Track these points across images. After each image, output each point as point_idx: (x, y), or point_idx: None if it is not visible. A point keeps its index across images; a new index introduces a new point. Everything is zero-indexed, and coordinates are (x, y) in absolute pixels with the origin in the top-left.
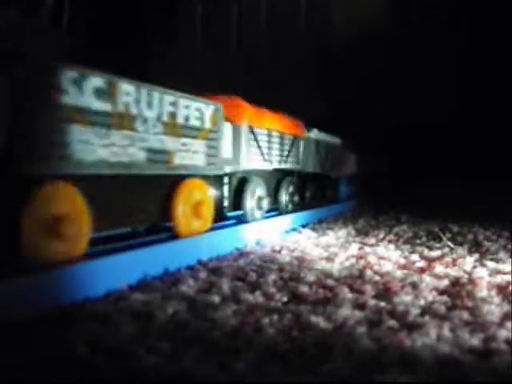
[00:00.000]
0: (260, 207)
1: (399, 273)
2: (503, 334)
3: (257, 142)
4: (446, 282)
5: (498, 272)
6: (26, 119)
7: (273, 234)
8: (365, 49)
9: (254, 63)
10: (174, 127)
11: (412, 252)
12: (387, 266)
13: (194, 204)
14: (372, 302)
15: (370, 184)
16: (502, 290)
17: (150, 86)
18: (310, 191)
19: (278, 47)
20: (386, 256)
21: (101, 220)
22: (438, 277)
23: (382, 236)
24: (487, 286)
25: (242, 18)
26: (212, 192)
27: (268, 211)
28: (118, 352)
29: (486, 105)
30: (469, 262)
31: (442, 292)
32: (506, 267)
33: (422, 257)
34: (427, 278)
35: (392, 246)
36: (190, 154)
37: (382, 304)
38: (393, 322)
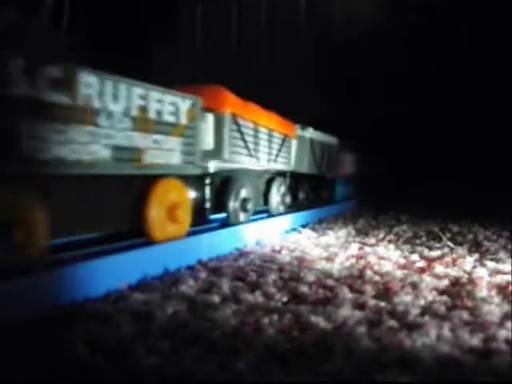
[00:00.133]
0: (245, 209)
1: (399, 273)
2: (503, 334)
3: (241, 134)
4: (445, 282)
5: (498, 272)
6: None
7: (273, 234)
8: (365, 48)
9: (254, 63)
10: (144, 122)
11: (412, 252)
12: (387, 266)
13: (168, 207)
14: (372, 302)
15: (370, 184)
16: (501, 289)
17: (115, 77)
18: (303, 192)
19: (277, 47)
20: (386, 256)
21: (58, 226)
22: (438, 277)
23: (381, 236)
24: (487, 285)
25: (241, 17)
26: (191, 193)
27: (259, 213)
28: (118, 352)
29: (486, 105)
30: (469, 261)
31: (441, 292)
32: (505, 267)
33: (422, 257)
34: (427, 278)
35: (392, 246)
36: (163, 152)
37: (382, 304)
38: (393, 322)
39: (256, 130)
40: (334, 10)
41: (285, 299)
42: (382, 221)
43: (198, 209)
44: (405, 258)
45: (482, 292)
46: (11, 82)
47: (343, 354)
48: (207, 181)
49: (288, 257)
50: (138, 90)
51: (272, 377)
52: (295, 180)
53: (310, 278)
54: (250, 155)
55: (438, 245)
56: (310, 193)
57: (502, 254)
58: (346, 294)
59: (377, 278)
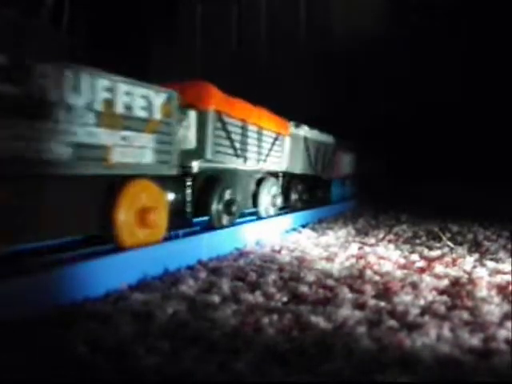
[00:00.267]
0: (229, 212)
1: (399, 273)
2: (503, 333)
3: (227, 132)
4: (445, 282)
5: (498, 272)
6: None
7: (273, 233)
8: (364, 48)
9: (254, 63)
10: (110, 118)
11: (412, 252)
12: (387, 266)
13: (139, 210)
14: (372, 302)
15: (369, 184)
16: (501, 289)
17: (75, 66)
18: (297, 193)
19: (277, 47)
20: (386, 256)
21: (4, 233)
22: (438, 277)
23: (381, 236)
24: (487, 285)
25: (241, 18)
26: (168, 195)
27: (250, 214)
28: (118, 352)
29: (486, 104)
30: (469, 261)
31: (441, 292)
32: (505, 267)
33: (422, 257)
34: (427, 278)
35: (392, 246)
36: (133, 150)
37: (382, 304)
38: (393, 322)
39: (244, 128)
40: (334, 10)
41: (285, 299)
42: (381, 220)
43: (178, 212)
44: (405, 257)
45: (482, 292)
46: None
47: (343, 354)
48: (188, 182)
49: (288, 257)
50: (102, 82)
51: (272, 377)
52: (288, 180)
53: (310, 277)
54: (237, 155)
55: (437, 245)
56: (304, 194)
57: (501, 254)
58: (346, 293)
59: (377, 277)
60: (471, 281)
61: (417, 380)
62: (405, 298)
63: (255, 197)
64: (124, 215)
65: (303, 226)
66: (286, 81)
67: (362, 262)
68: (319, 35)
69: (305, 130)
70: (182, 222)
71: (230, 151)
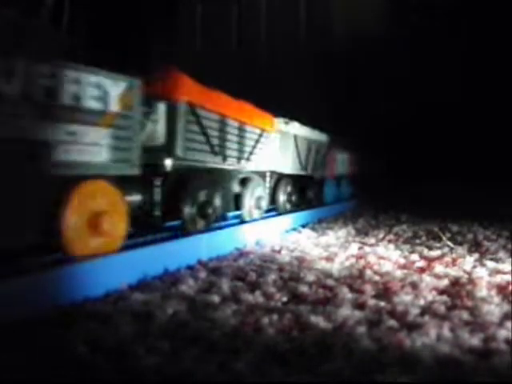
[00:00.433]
0: (204, 215)
1: (399, 273)
2: (503, 333)
3: (202, 127)
4: (445, 282)
5: (498, 272)
6: None
7: (272, 233)
8: (364, 48)
9: (254, 63)
10: (54, 109)
11: (412, 252)
12: (387, 266)
13: (92, 215)
14: (372, 302)
15: (368, 184)
16: (501, 289)
17: (6, 50)
18: (285, 194)
19: (277, 47)
20: (386, 256)
21: None
22: (438, 276)
23: (381, 236)
24: (487, 285)
25: (241, 17)
26: (132, 197)
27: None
28: (118, 352)
29: (486, 104)
30: (468, 261)
31: (441, 292)
32: (505, 267)
33: (422, 256)
34: (427, 278)
35: (392, 246)
36: (83, 147)
37: (382, 304)
38: (392, 322)
39: (223, 123)
40: (334, 10)
41: (285, 299)
42: (381, 220)
43: (145, 216)
44: (405, 257)
45: (482, 292)
46: None
47: (343, 354)
48: (157, 182)
49: (288, 257)
50: (43, 68)
51: (272, 377)
52: (276, 181)
53: (310, 277)
54: (214, 152)
55: (437, 244)
56: (293, 195)
57: (501, 254)
58: (346, 293)
59: (376, 277)
60: (471, 281)
61: (417, 380)
62: (405, 297)
63: (238, 199)
64: (73, 221)
65: (303, 226)
66: (286, 81)
67: (361, 262)
68: (319, 35)
69: (294, 127)
70: (150, 227)
71: (206, 148)
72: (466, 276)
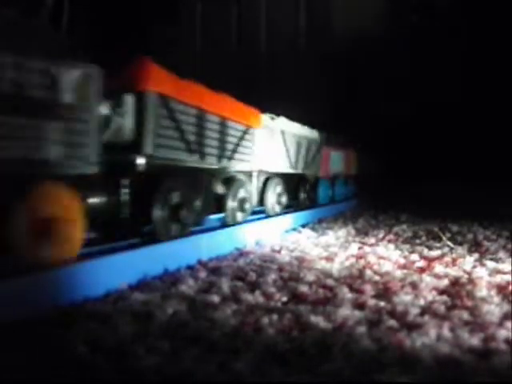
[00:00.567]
0: (178, 219)
1: (399, 272)
2: (503, 333)
3: (176, 121)
4: (445, 282)
5: (498, 272)
6: None
7: (272, 233)
8: (364, 48)
9: (254, 63)
10: None
11: (412, 252)
12: (387, 266)
13: (40, 221)
14: (372, 302)
15: (366, 184)
16: (501, 289)
17: None
18: (274, 195)
19: (277, 47)
20: (386, 256)
21: None
22: (438, 276)
23: (381, 236)
24: (487, 285)
25: (241, 17)
26: (92, 200)
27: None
28: (118, 352)
29: (486, 104)
30: (468, 261)
31: (441, 292)
32: (505, 267)
33: (422, 256)
34: (427, 278)
35: (392, 246)
36: (26, 143)
37: (382, 304)
38: (392, 322)
39: (200, 118)
40: (334, 10)
41: (284, 299)
42: (381, 220)
43: (109, 221)
44: (404, 257)
45: (482, 292)
46: None
47: (343, 354)
48: (124, 182)
49: (288, 257)
50: None
51: (272, 377)
52: (264, 181)
53: (310, 277)
54: (190, 150)
55: (437, 244)
56: (282, 196)
57: (501, 254)
58: (346, 293)
59: (376, 277)
60: (471, 281)
61: (417, 380)
62: (405, 297)
63: (221, 201)
64: (18, 228)
65: (303, 226)
66: (286, 81)
67: (361, 262)
68: (319, 35)
69: (282, 123)
70: (115, 232)
71: (181, 145)
72: (466, 276)
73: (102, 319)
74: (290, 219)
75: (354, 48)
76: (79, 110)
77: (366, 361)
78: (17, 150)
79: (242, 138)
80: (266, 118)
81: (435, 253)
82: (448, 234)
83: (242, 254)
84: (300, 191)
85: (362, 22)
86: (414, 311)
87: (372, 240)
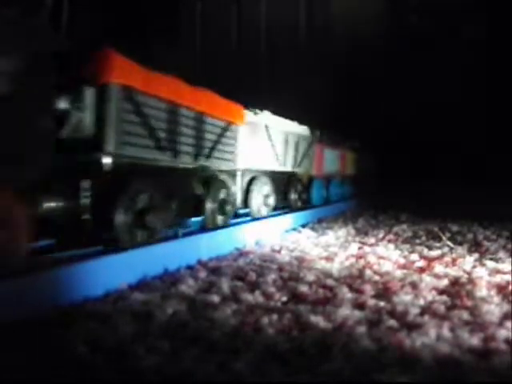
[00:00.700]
0: (144, 225)
1: (399, 272)
2: (503, 333)
3: (142, 116)
4: (445, 282)
5: (498, 272)
6: None
7: (272, 233)
8: (364, 48)
9: (254, 63)
10: None
11: (411, 251)
12: (387, 266)
13: None
14: (371, 302)
15: (367, 184)
16: (501, 289)
17: None
18: (260, 196)
19: (277, 47)
20: (386, 256)
21: None
22: (438, 276)
23: (381, 235)
24: (487, 285)
25: (241, 17)
26: (47, 204)
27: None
28: (118, 352)
29: (486, 104)
30: (468, 261)
31: (441, 292)
32: (505, 267)
33: (422, 256)
34: (427, 278)
35: (391, 246)
36: None
37: (382, 304)
38: (392, 322)
39: (173, 113)
40: (334, 10)
41: (284, 299)
42: (381, 220)
43: (65, 226)
44: (404, 257)
45: (482, 292)
46: None
47: (343, 354)
48: (85, 184)
49: (288, 256)
50: None
51: (272, 377)
52: (249, 180)
53: (310, 277)
54: (161, 148)
55: (437, 244)
56: (270, 197)
57: (501, 254)
58: (346, 293)
59: (376, 277)
60: (471, 280)
61: (417, 380)
62: (404, 297)
63: (200, 203)
64: None
65: (303, 226)
66: (286, 80)
67: (361, 262)
68: (319, 35)
69: (266, 118)
70: (73, 240)
71: (149, 143)
72: (466, 276)
73: (101, 319)
74: (289, 219)
75: (354, 48)
76: (15, 101)
77: (365, 361)
78: None
79: (222, 135)
80: (248, 112)
81: (435, 253)
82: (448, 234)
83: (241, 253)
84: (290, 191)
85: (362, 22)
86: (414, 311)
87: (372, 240)
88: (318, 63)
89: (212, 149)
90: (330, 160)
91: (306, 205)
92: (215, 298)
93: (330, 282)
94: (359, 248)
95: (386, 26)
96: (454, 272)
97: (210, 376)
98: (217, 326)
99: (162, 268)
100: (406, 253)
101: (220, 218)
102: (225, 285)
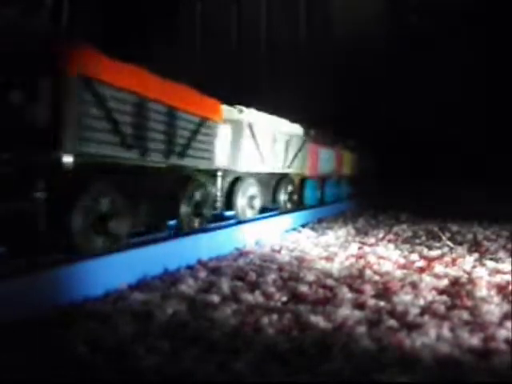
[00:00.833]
0: (106, 231)
1: (399, 272)
2: (503, 333)
3: (106, 110)
4: (445, 282)
5: (498, 271)
6: None
7: (272, 233)
8: (365, 48)
9: (254, 63)
10: None
11: (411, 251)
12: (387, 266)
13: None
14: (371, 302)
15: (367, 184)
16: (501, 289)
17: None
18: (245, 198)
19: (277, 47)
20: (386, 255)
21: None
22: (438, 276)
23: (381, 235)
24: (487, 285)
25: (241, 17)
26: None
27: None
28: (118, 352)
29: (486, 104)
30: (468, 261)
31: (441, 292)
32: (505, 267)
33: (422, 256)
34: (427, 278)
35: (391, 246)
36: None
37: (382, 304)
38: (392, 322)
39: (141, 107)
40: (334, 10)
41: (284, 299)
42: (381, 220)
43: (27, 232)
44: (404, 257)
45: (482, 292)
46: None
47: (343, 354)
48: (39, 186)
49: (287, 256)
50: None
51: (272, 377)
52: (233, 181)
53: (310, 277)
54: (126, 144)
55: (437, 244)
56: (255, 198)
57: (501, 254)
58: (346, 293)
59: (376, 277)
60: (471, 280)
61: (417, 380)
62: (404, 297)
63: (174, 206)
64: None
65: (303, 226)
66: (286, 81)
67: (361, 262)
68: (319, 35)
69: (250, 115)
70: (27, 247)
71: (113, 139)
72: (466, 276)
73: (101, 319)
74: (289, 219)
75: (354, 48)
76: None
77: (365, 361)
78: None
79: (197, 132)
80: (231, 110)
81: (435, 253)
82: (448, 234)
83: (241, 253)
84: (280, 193)
85: (362, 22)
86: (414, 311)
87: (372, 240)
88: (318, 63)
89: (186, 146)
90: (326, 160)
91: (298, 206)
92: (215, 298)
93: (329, 281)
94: (359, 248)
95: (386, 26)
96: (453, 272)
97: (209, 376)
98: (217, 326)
99: (162, 268)
100: (405, 253)
101: (196, 221)
102: (225, 285)
